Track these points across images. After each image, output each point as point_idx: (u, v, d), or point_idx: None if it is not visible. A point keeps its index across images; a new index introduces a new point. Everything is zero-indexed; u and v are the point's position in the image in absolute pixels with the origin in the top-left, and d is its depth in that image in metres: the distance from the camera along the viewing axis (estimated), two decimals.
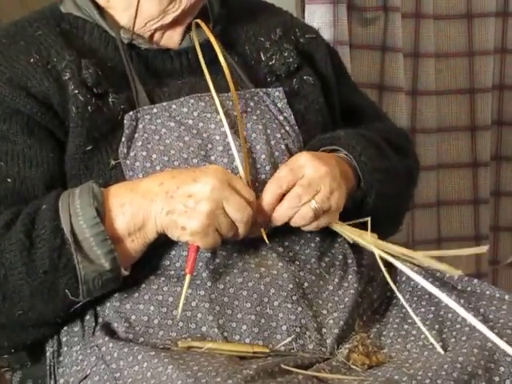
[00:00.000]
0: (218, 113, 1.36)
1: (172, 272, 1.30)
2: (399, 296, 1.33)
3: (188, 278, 1.25)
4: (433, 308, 1.34)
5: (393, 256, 1.30)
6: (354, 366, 1.23)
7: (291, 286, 1.29)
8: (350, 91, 1.62)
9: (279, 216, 1.30)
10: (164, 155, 1.33)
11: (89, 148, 1.32)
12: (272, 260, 1.31)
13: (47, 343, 1.35)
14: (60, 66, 1.35)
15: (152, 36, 1.45)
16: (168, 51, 1.44)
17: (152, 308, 1.29)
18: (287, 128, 1.41)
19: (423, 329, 1.27)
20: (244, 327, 1.27)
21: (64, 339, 1.33)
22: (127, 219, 1.26)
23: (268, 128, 1.39)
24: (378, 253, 1.30)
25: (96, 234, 1.23)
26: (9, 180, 1.31)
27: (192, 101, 1.38)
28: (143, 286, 1.30)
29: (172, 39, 1.45)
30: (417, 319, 1.29)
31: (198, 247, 1.25)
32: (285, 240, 1.34)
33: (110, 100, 1.35)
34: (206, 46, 1.42)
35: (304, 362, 1.22)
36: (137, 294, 1.30)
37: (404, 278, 1.41)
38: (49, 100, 1.34)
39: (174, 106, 1.37)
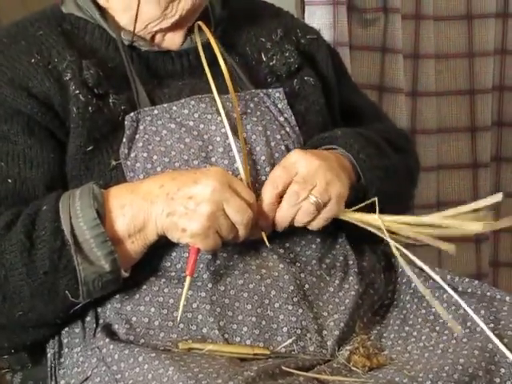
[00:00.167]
0: (219, 114, 1.36)
1: (173, 273, 1.30)
2: (408, 273, 1.29)
3: (188, 280, 1.25)
4: (433, 309, 1.34)
5: (404, 238, 1.28)
6: (354, 368, 1.23)
7: (292, 287, 1.29)
8: (351, 92, 1.62)
9: (282, 217, 1.30)
10: (165, 156, 1.33)
11: (89, 148, 1.32)
12: (273, 261, 1.31)
13: (48, 344, 1.35)
14: (61, 66, 1.35)
15: (153, 38, 1.45)
16: (169, 52, 1.44)
17: (153, 310, 1.29)
18: (287, 129, 1.41)
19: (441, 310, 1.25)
20: (245, 329, 1.26)
21: (65, 340, 1.33)
22: (127, 221, 1.25)
23: (268, 129, 1.39)
24: (391, 242, 1.28)
25: (96, 235, 1.23)
26: (9, 181, 1.31)
27: (193, 102, 1.38)
28: (144, 287, 1.30)
29: (174, 41, 1.45)
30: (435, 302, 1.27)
31: (198, 249, 1.25)
32: (286, 241, 1.34)
33: (110, 101, 1.35)
34: (207, 48, 1.41)
35: (305, 364, 1.22)
36: (137, 296, 1.30)
37: (405, 280, 1.41)
38: (50, 100, 1.34)
39: (174, 108, 1.37)
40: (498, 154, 2.45)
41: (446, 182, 2.40)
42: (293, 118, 1.43)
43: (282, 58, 1.47)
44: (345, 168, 1.37)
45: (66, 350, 1.33)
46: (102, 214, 1.24)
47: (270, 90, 1.44)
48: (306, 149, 1.37)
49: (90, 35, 1.42)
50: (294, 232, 1.34)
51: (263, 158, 1.36)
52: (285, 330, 1.27)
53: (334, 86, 1.54)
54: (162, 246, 1.29)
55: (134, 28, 1.41)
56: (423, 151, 2.26)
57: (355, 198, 1.36)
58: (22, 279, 1.23)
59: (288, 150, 1.38)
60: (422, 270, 1.31)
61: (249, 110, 1.40)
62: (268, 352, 1.25)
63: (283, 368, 1.18)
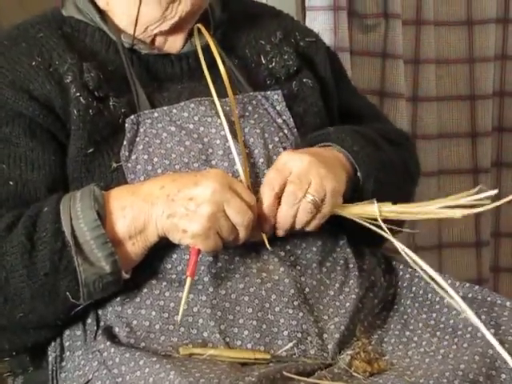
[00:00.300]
0: (218, 117, 1.36)
1: (174, 276, 1.30)
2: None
3: (189, 280, 1.25)
4: (434, 314, 1.35)
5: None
6: (355, 374, 1.23)
7: (292, 291, 1.29)
8: (350, 94, 1.62)
9: (283, 218, 1.30)
10: (165, 159, 1.33)
11: (90, 151, 1.32)
12: (273, 265, 1.31)
13: (49, 348, 1.35)
14: (62, 68, 1.35)
15: (153, 41, 1.45)
16: (168, 55, 1.44)
17: (153, 313, 1.28)
18: (285, 131, 1.41)
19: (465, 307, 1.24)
20: (246, 333, 1.26)
21: (67, 344, 1.33)
22: (128, 222, 1.26)
23: (266, 132, 1.39)
24: (395, 242, 1.29)
25: (96, 236, 1.23)
26: (11, 183, 1.31)
27: (192, 105, 1.38)
28: (145, 290, 1.30)
29: (174, 44, 1.45)
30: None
31: (199, 250, 1.25)
32: (286, 244, 1.34)
33: (110, 103, 1.35)
34: (207, 51, 1.41)
35: (306, 369, 1.22)
36: (138, 299, 1.30)
37: (406, 284, 1.41)
38: (51, 103, 1.34)
39: (174, 111, 1.37)
40: (499, 159, 2.45)
41: (446, 188, 2.39)
42: (291, 119, 1.43)
43: (281, 60, 1.47)
44: (339, 161, 1.37)
45: (68, 353, 1.33)
46: (103, 216, 1.24)
47: (269, 93, 1.44)
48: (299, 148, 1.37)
49: (91, 38, 1.42)
50: (294, 234, 1.34)
51: (261, 160, 1.36)
52: (285, 333, 1.27)
53: (332, 88, 1.54)
54: (163, 248, 1.30)
55: (135, 30, 1.41)
56: (424, 156, 2.26)
57: (353, 191, 1.36)
58: (23, 281, 1.23)
59: None
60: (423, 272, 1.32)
61: (247, 113, 1.40)
62: (269, 356, 1.25)
63: (284, 373, 1.18)
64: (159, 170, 1.32)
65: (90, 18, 1.43)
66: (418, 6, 2.28)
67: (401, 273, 1.43)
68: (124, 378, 1.21)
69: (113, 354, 1.24)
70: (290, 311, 1.28)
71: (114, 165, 1.32)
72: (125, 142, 1.33)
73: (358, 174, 1.38)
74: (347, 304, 1.32)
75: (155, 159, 1.33)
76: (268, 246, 1.30)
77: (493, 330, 1.25)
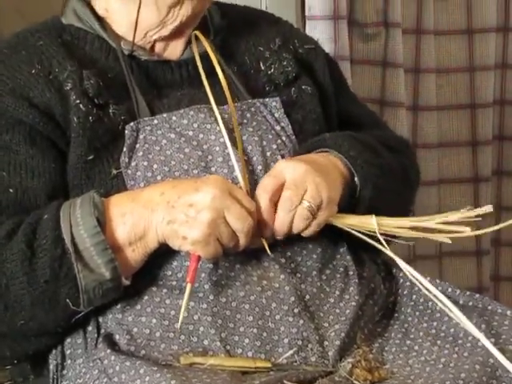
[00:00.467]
0: (217, 124, 1.36)
1: (174, 283, 1.30)
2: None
3: (189, 287, 1.25)
4: (435, 323, 1.34)
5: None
6: (356, 382, 1.22)
7: (293, 299, 1.29)
8: (349, 102, 1.62)
9: (280, 224, 1.30)
10: (165, 165, 1.33)
11: (90, 158, 1.32)
12: (274, 272, 1.31)
13: (50, 355, 1.35)
14: (62, 76, 1.36)
15: (153, 47, 1.45)
16: (168, 62, 1.44)
17: (154, 321, 1.28)
18: (284, 138, 1.41)
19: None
20: (246, 340, 1.26)
21: (68, 352, 1.33)
22: (128, 229, 1.26)
23: (264, 139, 1.39)
24: (391, 254, 1.29)
25: (96, 243, 1.23)
26: (11, 190, 1.31)
27: (192, 112, 1.38)
28: (145, 298, 1.30)
29: (174, 51, 1.45)
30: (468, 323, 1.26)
31: (199, 257, 1.25)
32: (287, 250, 1.34)
33: (110, 111, 1.35)
34: (205, 58, 1.42)
35: (306, 377, 1.22)
36: (139, 307, 1.30)
37: (406, 292, 1.41)
38: (51, 110, 1.34)
39: (174, 118, 1.38)
40: (499, 168, 2.46)
41: (447, 197, 2.39)
42: (289, 126, 1.43)
43: (280, 66, 1.47)
44: (336, 167, 1.37)
45: (69, 361, 1.33)
46: (103, 222, 1.24)
47: (267, 100, 1.44)
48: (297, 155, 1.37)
49: (90, 45, 1.42)
50: (295, 241, 1.34)
51: (259, 167, 1.36)
52: (286, 341, 1.26)
53: (331, 95, 1.54)
54: (163, 255, 1.29)
55: (134, 36, 1.41)
56: (424, 165, 2.25)
57: (351, 197, 1.36)
58: (23, 288, 1.23)
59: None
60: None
61: (245, 121, 1.40)
62: (269, 365, 1.25)
63: (285, 382, 1.18)
64: (159, 177, 1.32)
65: (90, 25, 1.43)
66: (419, 14, 2.29)
67: (401, 280, 1.42)
68: None
69: (113, 362, 1.24)
70: (291, 319, 1.28)
71: (114, 171, 1.32)
72: (125, 149, 1.34)
73: (356, 179, 1.38)
74: (347, 311, 1.32)
75: (155, 166, 1.33)
76: (269, 251, 1.30)
77: (493, 339, 1.24)
